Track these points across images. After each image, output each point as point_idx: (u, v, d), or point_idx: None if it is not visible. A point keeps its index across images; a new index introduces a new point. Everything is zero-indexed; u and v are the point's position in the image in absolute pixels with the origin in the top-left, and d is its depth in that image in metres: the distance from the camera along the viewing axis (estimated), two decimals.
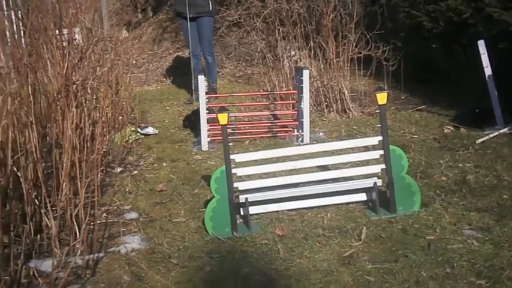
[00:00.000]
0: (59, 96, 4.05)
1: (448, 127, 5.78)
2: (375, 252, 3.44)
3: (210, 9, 7.44)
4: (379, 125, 3.98)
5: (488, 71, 5.62)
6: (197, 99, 6.29)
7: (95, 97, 5.05)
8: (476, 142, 5.18)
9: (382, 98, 3.91)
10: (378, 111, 4.00)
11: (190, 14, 7.38)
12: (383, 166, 3.98)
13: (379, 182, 4.00)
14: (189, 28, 7.45)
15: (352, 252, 3.46)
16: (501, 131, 5.35)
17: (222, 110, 3.84)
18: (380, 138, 3.97)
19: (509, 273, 3.08)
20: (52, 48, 4.69)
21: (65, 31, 4.68)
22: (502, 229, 3.55)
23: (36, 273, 3.29)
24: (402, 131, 5.81)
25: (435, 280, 3.07)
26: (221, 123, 3.82)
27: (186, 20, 7.45)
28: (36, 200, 3.67)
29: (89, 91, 4.68)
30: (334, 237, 3.65)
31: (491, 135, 5.28)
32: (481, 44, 5.62)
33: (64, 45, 4.44)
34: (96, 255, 3.56)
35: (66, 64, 4.09)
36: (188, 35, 7.53)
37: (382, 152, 3.98)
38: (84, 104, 4.50)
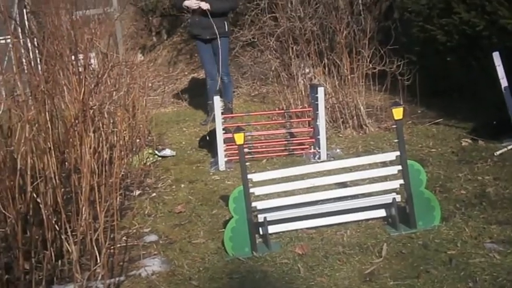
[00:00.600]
0: (77, 121, 4.08)
1: (466, 140, 5.75)
2: (396, 268, 3.42)
3: (226, 30, 7.46)
4: (396, 140, 3.97)
5: (504, 82, 5.59)
6: (213, 119, 6.37)
7: (112, 121, 5.08)
8: (495, 154, 5.15)
9: (398, 113, 3.90)
10: (394, 126, 3.99)
11: (207, 36, 7.40)
12: (401, 181, 3.97)
13: (398, 198, 3.98)
14: (205, 49, 7.53)
15: (373, 269, 3.44)
16: None
17: (238, 130, 3.86)
18: (397, 153, 3.96)
19: None
20: (68, 74, 4.74)
21: (81, 57, 4.72)
22: None
23: None
24: (420, 145, 5.78)
25: None
26: (237, 143, 3.83)
27: (202, 41, 7.52)
28: (56, 226, 3.69)
29: (106, 115, 4.72)
30: (355, 255, 3.64)
31: (509, 147, 5.24)
32: (495, 55, 5.59)
33: (80, 70, 4.48)
34: (117, 279, 3.57)
35: (83, 89, 4.13)
36: (205, 57, 7.58)
37: (400, 167, 3.96)
38: (102, 129, 4.54)
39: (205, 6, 7.29)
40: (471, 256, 3.44)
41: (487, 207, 4.10)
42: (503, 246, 3.52)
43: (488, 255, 3.43)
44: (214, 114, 5.75)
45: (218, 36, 7.30)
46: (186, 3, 7.42)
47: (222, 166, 5.66)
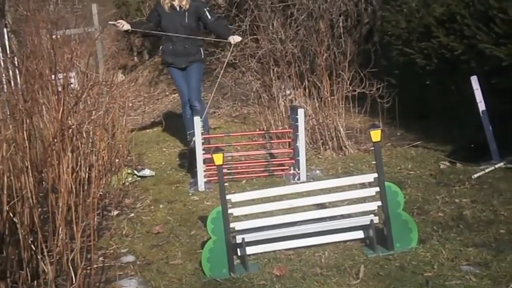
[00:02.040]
0: (55, 140, 4.06)
1: (444, 163, 5.79)
2: None
3: (202, 56, 6.99)
4: (374, 162, 4.00)
5: (482, 106, 5.66)
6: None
7: (90, 141, 5.06)
8: (473, 177, 5.19)
9: (376, 135, 3.93)
10: (372, 148, 4.02)
11: (182, 65, 6.88)
12: (379, 203, 3.99)
13: (376, 219, 4.00)
14: (180, 77, 6.96)
15: None
16: (497, 166, 5.35)
17: (217, 150, 3.86)
18: (375, 175, 3.98)
19: None
20: (48, 93, 4.73)
21: (61, 76, 4.71)
22: (500, 264, 3.54)
23: None
24: (398, 168, 5.82)
25: None
26: (216, 163, 3.84)
27: (177, 69, 6.94)
28: (32, 246, 3.66)
29: (84, 135, 4.70)
30: (332, 276, 3.64)
31: (487, 170, 5.28)
32: (474, 79, 5.66)
33: (59, 90, 4.47)
34: None
35: (62, 109, 4.12)
36: (181, 85, 6.96)
37: (378, 189, 3.98)
38: (80, 148, 4.52)
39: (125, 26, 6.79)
40: (448, 278, 3.45)
41: (464, 229, 4.13)
42: (479, 268, 3.54)
43: (465, 277, 3.44)
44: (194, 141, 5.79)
45: (191, 64, 6.86)
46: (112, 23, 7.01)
47: (201, 187, 5.64)
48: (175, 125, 8.78)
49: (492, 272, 3.47)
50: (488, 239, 3.93)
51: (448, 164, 5.74)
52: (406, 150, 6.45)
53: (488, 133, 5.63)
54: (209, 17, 6.81)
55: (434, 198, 4.80)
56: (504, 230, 4.04)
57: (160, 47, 7.08)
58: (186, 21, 6.80)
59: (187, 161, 6.51)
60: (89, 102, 5.45)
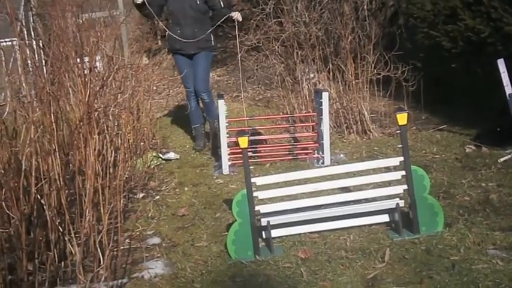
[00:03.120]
0: (81, 123, 4.09)
1: (470, 146, 5.74)
2: (399, 273, 3.42)
3: (213, 43, 6.57)
4: (400, 146, 3.98)
5: (508, 89, 5.59)
6: (202, 145, 6.49)
7: (116, 124, 5.09)
8: (499, 161, 5.15)
9: (402, 118, 3.91)
10: (398, 131, 4.00)
11: (191, 51, 6.42)
12: (405, 187, 3.97)
13: (402, 203, 3.99)
14: (186, 65, 6.48)
15: (376, 274, 3.44)
16: None
17: (241, 133, 3.87)
18: (401, 158, 3.97)
19: None
20: (74, 76, 4.76)
21: (86, 59, 4.73)
22: None
23: None
24: (423, 151, 5.78)
25: None
26: (241, 146, 3.84)
27: (184, 57, 6.50)
28: (60, 227, 3.70)
29: (110, 118, 4.72)
30: (358, 259, 3.64)
31: None
32: (500, 62, 5.59)
33: (85, 73, 4.49)
34: (120, 281, 3.58)
35: (88, 92, 4.13)
36: (187, 74, 6.43)
37: (403, 172, 3.96)
38: (106, 131, 4.55)
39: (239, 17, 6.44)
40: (474, 262, 3.44)
41: (490, 213, 4.10)
42: (506, 252, 3.52)
43: (491, 261, 3.42)
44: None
45: (200, 51, 6.43)
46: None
47: (225, 170, 5.66)
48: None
49: None
50: None
51: (473, 147, 5.70)
52: (431, 134, 6.41)
53: None
54: (221, 4, 6.44)
55: (460, 182, 4.77)
56: None
57: (167, 32, 6.56)
58: (198, 2, 6.35)
59: (211, 144, 6.53)
60: (114, 86, 5.46)
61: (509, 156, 5.21)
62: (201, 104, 6.74)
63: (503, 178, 4.75)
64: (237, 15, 6.39)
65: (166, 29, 6.58)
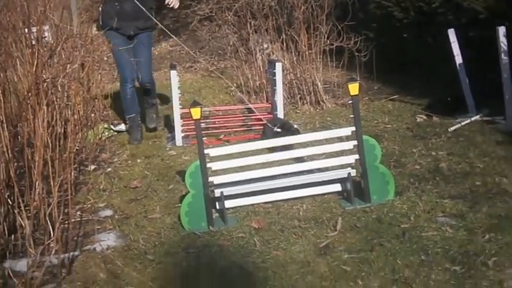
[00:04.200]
0: (30, 94, 4.00)
1: (421, 116, 5.82)
2: (351, 242, 3.46)
3: (153, 23, 5.91)
4: (352, 116, 4.00)
5: (458, 59, 5.67)
6: (140, 138, 5.79)
7: (66, 95, 4.99)
8: (449, 130, 5.23)
9: (354, 88, 3.93)
10: (350, 102, 4.02)
11: (131, 31, 5.73)
12: (357, 156, 4.00)
13: (353, 172, 4.02)
14: (124, 48, 5.57)
15: (328, 242, 3.48)
16: (473, 119, 5.40)
17: (194, 104, 3.83)
18: (353, 128, 3.99)
19: (483, 258, 3.11)
20: (21, 46, 4.64)
21: (34, 29, 4.62)
22: (475, 215, 3.59)
23: (11, 274, 3.24)
24: (375, 121, 5.84)
25: (410, 268, 3.10)
26: (194, 117, 3.81)
27: (121, 37, 5.76)
28: (9, 200, 3.63)
29: (59, 89, 4.63)
30: (310, 229, 3.66)
31: (463, 123, 5.33)
32: (451, 32, 5.66)
33: (33, 43, 4.38)
34: (71, 253, 3.53)
35: (36, 62, 4.04)
36: (124, 58, 5.60)
37: (355, 142, 3.99)
38: (55, 102, 4.46)
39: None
40: (424, 230, 3.50)
41: (440, 181, 4.17)
42: (455, 220, 3.58)
43: (441, 228, 3.49)
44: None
45: (141, 32, 5.79)
46: None
47: (179, 141, 5.62)
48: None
49: (468, 223, 3.51)
50: (464, 191, 3.98)
51: (424, 117, 5.78)
52: (383, 104, 6.47)
53: (465, 86, 5.66)
54: None
55: (411, 151, 4.83)
56: (480, 181, 4.08)
57: (100, 8, 5.84)
58: None
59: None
60: (64, 56, 5.35)
61: (459, 125, 5.30)
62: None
63: (453, 147, 4.83)
64: (173, 2, 5.75)
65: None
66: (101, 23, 5.85)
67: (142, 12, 5.54)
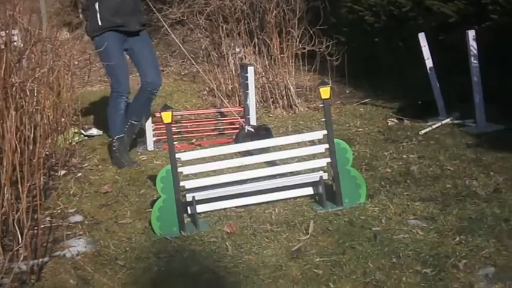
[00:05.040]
0: None
1: (392, 119, 5.86)
2: (323, 245, 3.46)
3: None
4: (324, 119, 4.00)
5: (429, 63, 5.72)
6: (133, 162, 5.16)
7: (35, 99, 4.92)
8: (420, 133, 5.27)
9: (325, 92, 3.93)
10: (322, 105, 4.02)
11: (136, 27, 5.11)
12: (328, 160, 4.01)
13: (325, 176, 4.03)
14: (120, 50, 5.12)
15: (300, 246, 3.47)
16: (443, 122, 5.45)
17: (165, 108, 3.81)
18: (325, 132, 3.99)
19: (453, 261, 3.13)
20: None
21: (3, 33, 4.55)
22: (446, 218, 3.61)
23: None
24: (347, 125, 5.86)
25: (382, 270, 3.10)
26: (165, 121, 3.78)
27: (121, 36, 5.07)
28: None
29: (28, 93, 4.57)
30: (282, 232, 3.65)
31: (434, 126, 5.38)
32: (421, 36, 5.70)
33: (2, 47, 4.32)
34: (40, 260, 3.48)
35: (4, 66, 3.98)
36: (121, 61, 5.10)
37: (327, 145, 4.00)
38: (24, 107, 4.40)
39: None
40: (395, 232, 3.51)
41: (411, 184, 4.20)
42: (426, 222, 3.60)
43: (412, 231, 3.50)
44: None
45: (141, 29, 5.21)
46: None
47: (150, 146, 5.58)
48: None
49: (438, 225, 3.54)
50: (434, 194, 4.01)
51: (396, 120, 5.82)
52: (355, 107, 6.50)
53: (436, 90, 5.71)
54: None
55: (382, 155, 4.85)
56: (450, 184, 4.12)
57: (96, 4, 4.98)
58: None
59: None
60: (33, 60, 5.28)
61: (430, 128, 5.35)
62: None
63: (424, 150, 4.87)
64: None
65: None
66: (99, 22, 4.98)
67: (141, 5, 5.20)
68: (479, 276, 2.98)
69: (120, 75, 5.08)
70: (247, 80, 5.66)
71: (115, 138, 5.21)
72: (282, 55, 6.72)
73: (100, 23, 4.98)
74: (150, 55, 5.24)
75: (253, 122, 5.69)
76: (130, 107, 5.21)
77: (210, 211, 4.02)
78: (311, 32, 6.68)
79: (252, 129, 5.31)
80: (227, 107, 6.41)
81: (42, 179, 4.14)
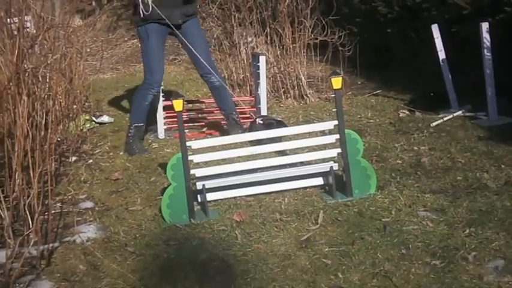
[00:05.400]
0: (10, 84, 3.96)
1: (404, 111, 5.84)
2: (332, 235, 3.46)
3: (197, 6, 5.34)
4: (335, 109, 3.99)
5: (442, 54, 5.69)
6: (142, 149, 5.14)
7: (47, 85, 4.95)
8: (431, 125, 5.25)
9: (337, 82, 3.92)
10: (333, 95, 4.01)
11: (179, 20, 4.98)
12: (339, 150, 4.00)
13: (336, 166, 4.02)
14: (161, 41, 5.11)
15: (310, 236, 3.48)
16: (455, 114, 5.42)
17: (176, 96, 3.81)
18: (336, 122, 3.99)
19: (463, 253, 3.12)
20: (2, 36, 4.59)
21: (15, 19, 4.57)
22: (456, 210, 3.60)
23: None
24: (358, 116, 5.84)
25: (391, 261, 3.10)
26: (176, 109, 3.79)
27: (163, 32, 5.02)
28: None
29: (40, 79, 4.59)
30: (292, 222, 3.66)
31: (445, 119, 5.35)
32: (434, 28, 5.67)
33: (15, 33, 4.34)
34: (50, 245, 3.50)
35: (17, 52, 4.00)
36: (159, 53, 5.07)
37: (337, 136, 3.99)
38: (37, 93, 4.42)
39: None
40: (405, 224, 3.50)
41: (421, 176, 4.18)
42: (436, 214, 3.60)
43: (422, 223, 3.50)
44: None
45: (187, 19, 5.07)
46: None
47: (161, 134, 5.59)
48: (135, 71, 8.67)
49: (448, 217, 3.53)
50: (445, 186, 4.00)
51: (407, 112, 5.80)
52: (366, 98, 6.48)
53: (448, 82, 5.68)
54: None
55: (393, 146, 4.84)
56: (461, 176, 4.10)
57: None
58: None
59: None
60: (46, 47, 5.30)
61: (441, 120, 5.32)
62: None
63: (435, 142, 4.85)
64: None
65: None
66: (142, 14, 4.87)
67: None
68: (489, 268, 2.98)
69: (153, 66, 5.03)
70: (258, 69, 5.65)
71: (133, 125, 5.20)
72: (294, 45, 6.70)
73: (143, 14, 4.89)
74: (201, 47, 5.10)
75: (264, 112, 5.68)
76: None
77: (220, 199, 4.03)
78: (323, 22, 6.65)
79: (262, 122, 5.26)
80: (238, 96, 6.41)
81: (53, 165, 4.16)
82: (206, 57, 5.11)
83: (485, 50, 5.21)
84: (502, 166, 4.20)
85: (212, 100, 6.51)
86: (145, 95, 5.14)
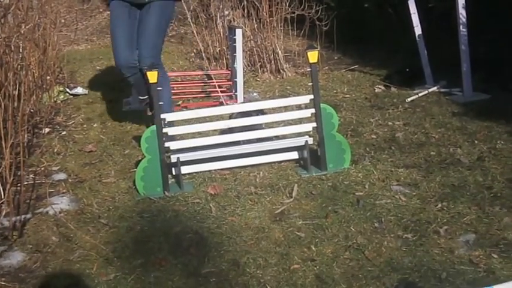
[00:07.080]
0: None
1: (379, 86, 5.85)
2: (306, 208, 3.48)
3: None
4: (311, 84, 3.99)
5: (418, 30, 5.69)
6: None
7: (20, 55, 4.87)
8: (406, 101, 5.27)
9: (313, 56, 3.91)
10: (309, 69, 4.00)
11: None
12: (314, 124, 4.00)
13: (310, 140, 4.02)
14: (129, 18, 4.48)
15: (284, 209, 3.49)
16: (430, 90, 5.45)
17: (151, 68, 3.77)
18: (311, 96, 3.98)
19: (434, 227, 3.16)
20: None
21: None
22: (429, 184, 3.64)
23: None
24: (334, 91, 5.84)
25: (363, 234, 3.13)
26: (151, 81, 3.76)
27: (127, 8, 4.47)
28: None
29: (13, 49, 4.51)
30: (266, 195, 3.67)
31: (420, 94, 5.37)
32: (411, 3, 5.66)
33: None
34: (23, 216, 3.48)
35: None
36: (122, 39, 4.42)
37: (313, 110, 3.99)
38: (9, 63, 4.34)
39: None
40: (378, 198, 3.53)
41: (395, 151, 4.21)
42: (409, 188, 3.63)
43: (394, 197, 3.53)
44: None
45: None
46: None
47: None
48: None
49: (421, 192, 3.56)
50: (418, 161, 4.03)
51: (383, 87, 5.81)
52: (342, 74, 6.48)
53: (423, 57, 5.69)
54: None
55: (368, 121, 4.86)
56: (434, 152, 4.13)
57: None
58: None
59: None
60: (19, 16, 5.20)
61: (417, 96, 5.35)
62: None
63: (410, 117, 4.87)
64: None
65: None
66: None
67: None
68: (460, 242, 3.02)
69: (115, 47, 4.42)
70: (235, 42, 5.61)
71: (141, 98, 4.74)
72: (271, 19, 6.65)
73: None
74: (147, 26, 4.41)
75: (240, 85, 5.65)
76: None
77: (195, 173, 4.02)
78: None
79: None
80: (214, 70, 6.38)
81: (26, 136, 4.12)
82: (148, 39, 4.40)
83: (461, 26, 5.22)
84: (475, 142, 4.24)
85: (188, 73, 6.49)
86: (123, 78, 4.64)
